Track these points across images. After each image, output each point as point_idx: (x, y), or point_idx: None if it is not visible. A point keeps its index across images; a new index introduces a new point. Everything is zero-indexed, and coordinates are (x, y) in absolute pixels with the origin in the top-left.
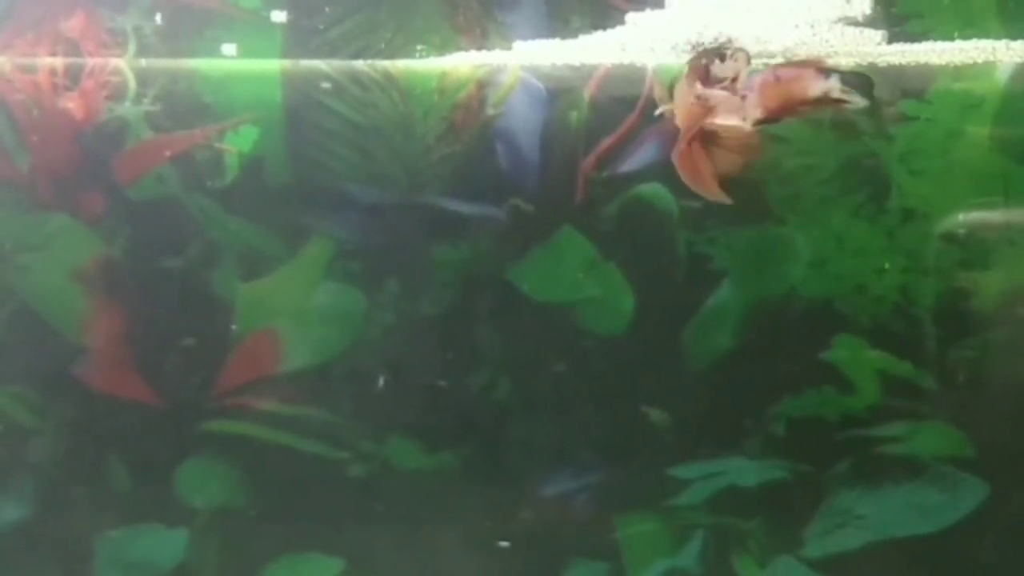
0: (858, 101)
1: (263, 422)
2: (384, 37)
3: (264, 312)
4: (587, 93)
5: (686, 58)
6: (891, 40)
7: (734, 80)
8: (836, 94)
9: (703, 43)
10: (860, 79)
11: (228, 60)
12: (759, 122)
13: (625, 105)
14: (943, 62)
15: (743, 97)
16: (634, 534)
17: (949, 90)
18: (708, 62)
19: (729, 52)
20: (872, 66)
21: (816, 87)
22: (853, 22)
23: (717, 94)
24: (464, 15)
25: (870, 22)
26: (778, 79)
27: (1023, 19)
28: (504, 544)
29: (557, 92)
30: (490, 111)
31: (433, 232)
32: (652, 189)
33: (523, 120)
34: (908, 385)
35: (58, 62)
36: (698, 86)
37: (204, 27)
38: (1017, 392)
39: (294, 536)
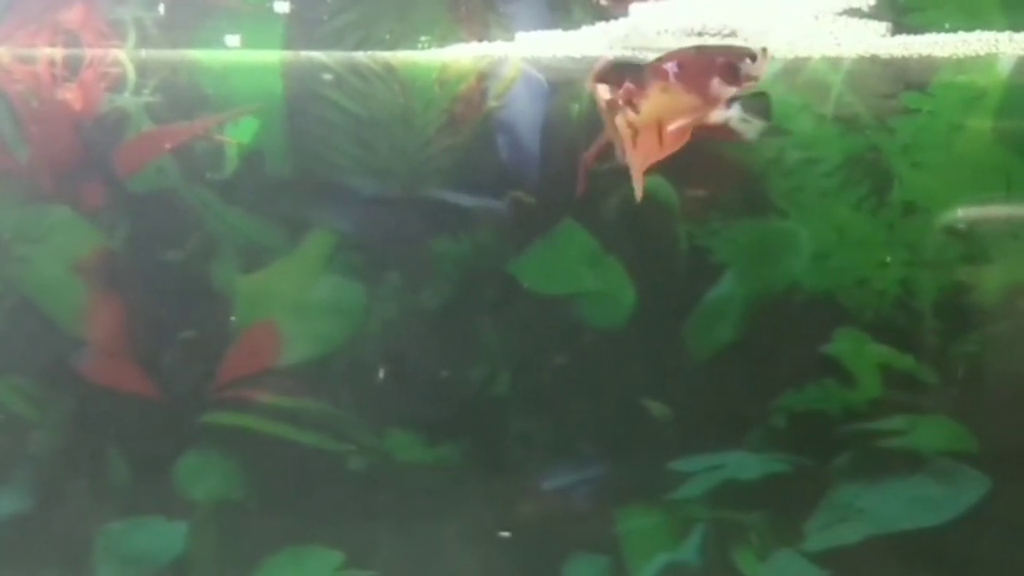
0: (752, 132)
1: (263, 414)
2: (387, 28)
3: (264, 304)
4: (588, 85)
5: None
6: (894, 32)
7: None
8: (734, 123)
9: (706, 34)
10: (758, 101)
11: (228, 51)
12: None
13: None
14: (946, 54)
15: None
16: (634, 527)
17: (952, 83)
18: (734, 61)
19: (762, 50)
20: (875, 58)
21: (717, 115)
22: (857, 13)
23: (730, 91)
24: (466, 6)
25: (874, 14)
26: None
27: None
28: (504, 535)
29: (558, 84)
30: (491, 103)
31: (433, 225)
32: (653, 182)
33: (524, 112)
34: (909, 379)
35: (57, 53)
36: (716, 83)
37: (205, 18)
38: (1019, 385)
39: (294, 529)
